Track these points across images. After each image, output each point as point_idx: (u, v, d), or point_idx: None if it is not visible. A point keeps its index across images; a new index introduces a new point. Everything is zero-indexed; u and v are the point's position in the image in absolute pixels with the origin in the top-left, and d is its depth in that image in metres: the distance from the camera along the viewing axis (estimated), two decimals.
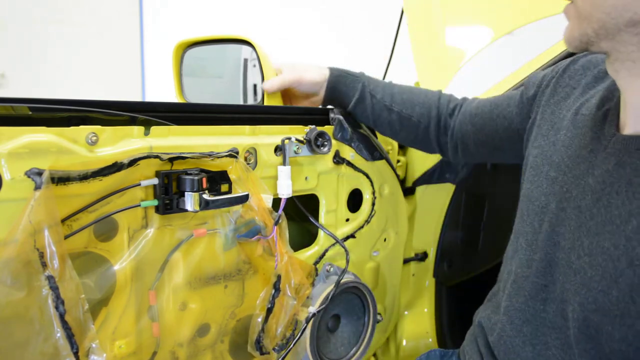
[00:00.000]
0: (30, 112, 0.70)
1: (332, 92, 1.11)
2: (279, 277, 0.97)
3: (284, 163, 0.97)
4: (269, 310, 0.97)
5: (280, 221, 0.95)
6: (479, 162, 1.39)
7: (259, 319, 0.97)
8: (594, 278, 0.64)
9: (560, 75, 0.86)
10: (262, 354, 0.98)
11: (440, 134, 1.11)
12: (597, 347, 0.66)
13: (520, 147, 0.94)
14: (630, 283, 0.60)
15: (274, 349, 0.99)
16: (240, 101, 1.26)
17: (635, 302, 0.59)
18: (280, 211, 0.96)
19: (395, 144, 1.35)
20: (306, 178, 1.05)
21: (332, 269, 1.10)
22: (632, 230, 0.60)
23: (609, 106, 0.72)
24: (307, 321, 0.99)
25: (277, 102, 1.10)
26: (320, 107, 1.13)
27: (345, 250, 1.08)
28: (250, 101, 1.23)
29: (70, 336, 0.70)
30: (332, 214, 1.13)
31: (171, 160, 0.82)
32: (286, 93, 1.13)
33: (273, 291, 0.96)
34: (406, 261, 1.44)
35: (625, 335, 0.61)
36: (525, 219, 0.82)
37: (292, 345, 0.98)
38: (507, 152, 1.00)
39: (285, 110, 1.05)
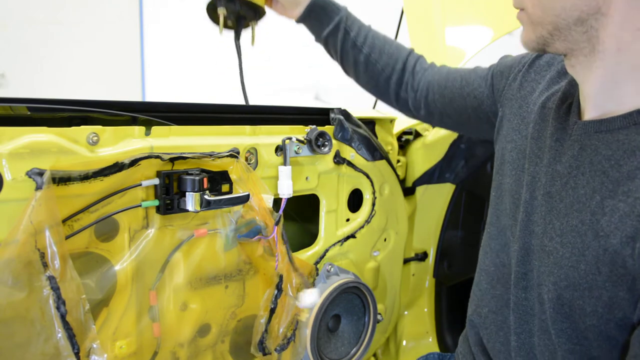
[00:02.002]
0: (28, 112, 0.70)
1: (310, 12, 1.10)
2: (281, 277, 0.97)
3: (284, 163, 0.97)
4: (272, 311, 0.97)
5: (280, 221, 0.95)
6: (438, 127, 1.38)
7: (262, 320, 0.97)
8: (565, 255, 0.67)
9: (527, 70, 0.89)
10: (264, 354, 0.98)
11: (400, 90, 1.11)
12: (573, 326, 0.68)
13: (486, 128, 0.98)
14: (596, 255, 0.63)
15: (276, 349, 0.99)
16: None
17: (601, 273, 0.63)
18: (281, 211, 0.96)
19: (396, 145, 1.35)
20: (307, 178, 1.05)
21: (332, 269, 1.10)
22: (595, 205, 0.64)
23: (572, 99, 0.76)
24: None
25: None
26: (293, 19, 1.12)
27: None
28: None
29: (71, 336, 0.70)
30: (332, 214, 1.13)
31: (172, 160, 0.82)
32: None
33: (276, 291, 0.96)
34: (406, 261, 1.44)
35: (595, 308, 0.64)
36: (508, 212, 0.84)
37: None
38: (471, 129, 1.06)
39: (286, 110, 1.05)
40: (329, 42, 1.12)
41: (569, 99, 0.76)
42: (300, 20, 1.12)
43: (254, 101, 1.15)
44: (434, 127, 1.42)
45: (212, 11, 1.08)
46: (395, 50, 1.10)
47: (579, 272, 0.65)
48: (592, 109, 0.70)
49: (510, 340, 0.81)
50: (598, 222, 0.64)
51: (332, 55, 1.15)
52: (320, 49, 1.18)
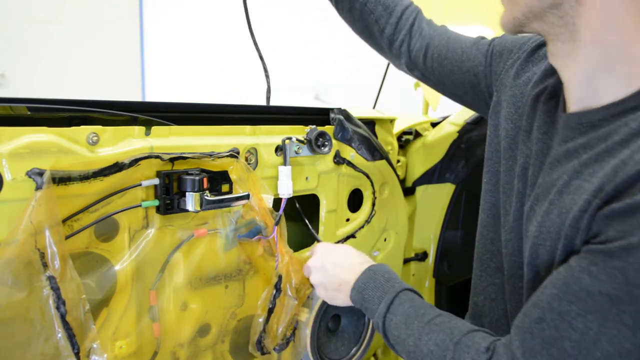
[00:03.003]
0: (28, 112, 0.70)
1: None
2: (280, 277, 0.97)
3: (284, 163, 0.97)
4: (270, 311, 0.97)
5: (280, 221, 0.95)
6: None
7: (261, 320, 0.97)
8: (539, 236, 0.69)
9: (525, 60, 0.87)
10: (263, 354, 0.98)
11: (393, 46, 1.06)
12: None
13: (482, 107, 0.97)
14: (558, 230, 0.65)
15: (274, 348, 0.99)
16: None
17: (559, 248, 0.65)
18: (281, 211, 0.96)
19: (395, 145, 1.35)
20: (307, 178, 1.05)
21: None
22: (563, 185, 0.66)
23: (560, 94, 0.76)
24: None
25: None
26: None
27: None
28: None
29: (71, 336, 0.70)
30: (332, 214, 1.13)
31: (172, 160, 0.82)
32: None
33: (274, 291, 0.96)
34: (406, 261, 1.44)
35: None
36: (501, 202, 0.85)
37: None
38: (467, 103, 1.04)
39: (286, 110, 1.05)
40: None
41: (559, 92, 0.77)
42: None
43: (253, 101, 1.15)
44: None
45: None
46: (392, 1, 1.03)
47: (546, 250, 0.67)
48: (574, 101, 0.70)
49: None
50: (563, 201, 0.65)
51: None
52: (321, 50, 1.17)
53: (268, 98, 1.13)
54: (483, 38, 0.97)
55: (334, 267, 0.89)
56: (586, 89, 0.67)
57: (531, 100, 0.81)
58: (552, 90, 0.78)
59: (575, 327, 0.58)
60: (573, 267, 0.61)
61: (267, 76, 1.12)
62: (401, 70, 1.11)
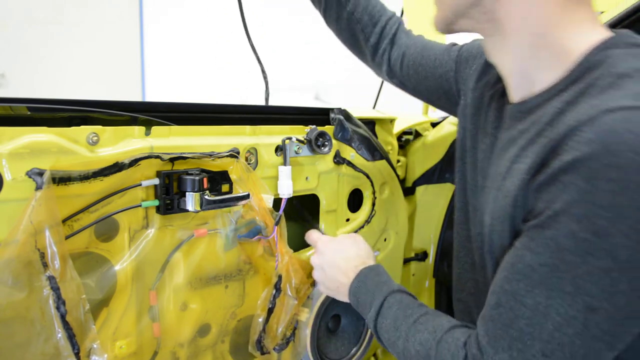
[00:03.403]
0: (28, 112, 0.70)
1: None
2: (279, 277, 0.97)
3: (284, 163, 0.97)
4: (270, 311, 0.97)
5: (280, 221, 0.95)
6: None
7: (260, 319, 0.97)
8: (492, 223, 0.71)
9: (486, 64, 0.89)
10: (262, 353, 0.98)
11: (376, 55, 1.10)
12: None
13: (453, 108, 1.01)
14: (504, 214, 0.67)
15: (274, 348, 0.99)
16: None
17: (505, 230, 0.67)
18: (281, 211, 0.96)
19: (395, 145, 1.35)
20: (307, 178, 1.05)
21: None
22: (505, 171, 0.69)
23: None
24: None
25: None
26: None
27: None
28: None
29: (71, 337, 0.70)
30: (332, 214, 1.13)
31: (172, 160, 0.82)
32: None
33: (274, 291, 0.96)
34: (406, 261, 1.44)
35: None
36: (470, 200, 0.88)
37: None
38: (442, 107, 1.08)
39: (286, 110, 1.05)
40: None
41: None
42: None
43: (253, 101, 1.15)
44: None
45: None
46: (378, 12, 1.08)
47: (498, 235, 0.68)
48: (514, 93, 0.74)
49: None
50: (505, 185, 0.67)
51: (314, 4, 1.12)
52: (322, 50, 1.17)
53: (267, 98, 1.14)
54: (455, 44, 1.01)
55: (332, 269, 0.91)
56: (521, 79, 0.71)
57: (487, 100, 0.85)
58: (504, 89, 0.81)
59: (526, 304, 0.60)
60: (517, 247, 0.63)
61: (265, 77, 1.13)
62: (382, 79, 1.16)
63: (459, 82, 0.97)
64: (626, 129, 0.53)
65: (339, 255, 0.92)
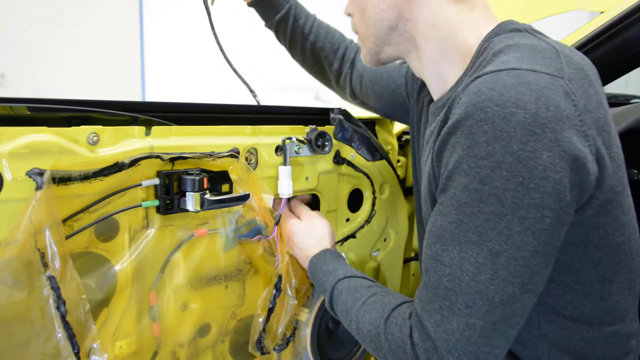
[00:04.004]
0: (28, 112, 0.70)
1: None
2: (279, 277, 0.97)
3: (284, 163, 0.97)
4: (270, 311, 0.97)
5: (280, 221, 0.95)
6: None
7: (260, 319, 0.97)
8: (425, 210, 0.77)
9: None
10: (262, 353, 0.98)
11: (340, 78, 1.19)
12: None
13: (407, 120, 1.11)
14: (426, 193, 0.76)
15: (274, 348, 0.99)
16: None
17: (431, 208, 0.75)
18: (281, 211, 0.96)
19: (396, 144, 1.35)
20: (307, 178, 1.05)
21: None
22: (431, 175, 0.74)
23: None
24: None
25: None
26: (247, 3, 1.15)
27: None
28: None
29: (71, 336, 0.70)
30: (332, 214, 1.13)
31: (172, 160, 0.82)
32: None
33: (274, 291, 0.96)
34: (406, 261, 1.43)
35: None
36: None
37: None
38: (398, 119, 1.19)
39: (286, 110, 1.05)
40: (279, 28, 1.16)
41: None
42: (254, 2, 1.14)
43: (252, 101, 1.15)
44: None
45: None
46: (337, 40, 1.17)
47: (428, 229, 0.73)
48: (434, 95, 0.84)
49: None
50: (426, 171, 0.76)
51: (280, 40, 1.20)
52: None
53: (256, 99, 1.15)
54: (405, 62, 1.07)
55: (294, 251, 0.98)
56: (437, 81, 0.82)
57: (426, 107, 0.93)
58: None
59: (444, 263, 0.65)
60: (432, 214, 0.69)
61: (244, 82, 1.14)
62: (347, 101, 1.26)
63: (409, 95, 1.06)
64: (488, 88, 0.62)
65: (297, 247, 0.97)
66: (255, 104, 1.12)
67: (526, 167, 0.60)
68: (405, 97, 1.08)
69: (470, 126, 0.62)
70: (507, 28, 0.74)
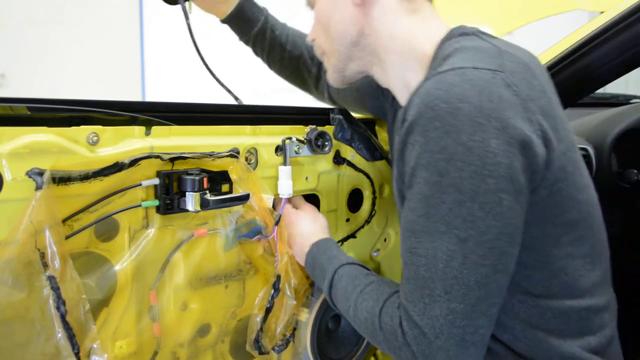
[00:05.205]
0: (28, 112, 0.70)
1: (239, 12, 1.13)
2: (278, 277, 0.97)
3: (284, 163, 0.97)
4: (268, 310, 0.97)
5: (280, 221, 0.95)
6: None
7: (257, 319, 0.97)
8: (400, 210, 0.81)
9: None
10: (261, 353, 0.98)
11: (318, 84, 1.20)
12: None
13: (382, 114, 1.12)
14: (398, 194, 0.82)
15: (274, 349, 0.99)
16: None
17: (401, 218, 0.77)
18: (281, 211, 0.96)
19: None
20: (307, 178, 1.05)
21: None
22: (397, 174, 0.80)
23: None
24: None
25: None
26: (219, 17, 1.16)
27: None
28: None
29: (71, 336, 0.70)
30: (332, 214, 1.13)
31: (172, 160, 0.82)
32: None
33: (272, 291, 0.96)
34: None
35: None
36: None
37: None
38: (380, 117, 1.17)
39: (286, 110, 1.05)
40: (257, 41, 1.16)
41: None
42: (228, 19, 1.15)
43: (251, 101, 1.15)
44: None
45: None
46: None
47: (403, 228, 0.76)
48: (401, 102, 0.88)
49: None
50: (399, 186, 0.81)
51: (257, 53, 1.20)
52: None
53: (237, 100, 1.15)
54: None
55: (293, 239, 0.99)
56: (403, 88, 0.86)
57: (398, 115, 0.94)
58: None
59: (420, 254, 0.68)
60: (403, 212, 0.72)
61: (224, 87, 1.14)
62: (326, 104, 1.26)
63: (387, 98, 1.06)
64: (436, 87, 0.67)
65: (297, 231, 0.98)
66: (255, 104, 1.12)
67: (477, 155, 0.64)
68: (383, 101, 1.08)
69: (424, 124, 0.67)
70: (456, 33, 0.79)
